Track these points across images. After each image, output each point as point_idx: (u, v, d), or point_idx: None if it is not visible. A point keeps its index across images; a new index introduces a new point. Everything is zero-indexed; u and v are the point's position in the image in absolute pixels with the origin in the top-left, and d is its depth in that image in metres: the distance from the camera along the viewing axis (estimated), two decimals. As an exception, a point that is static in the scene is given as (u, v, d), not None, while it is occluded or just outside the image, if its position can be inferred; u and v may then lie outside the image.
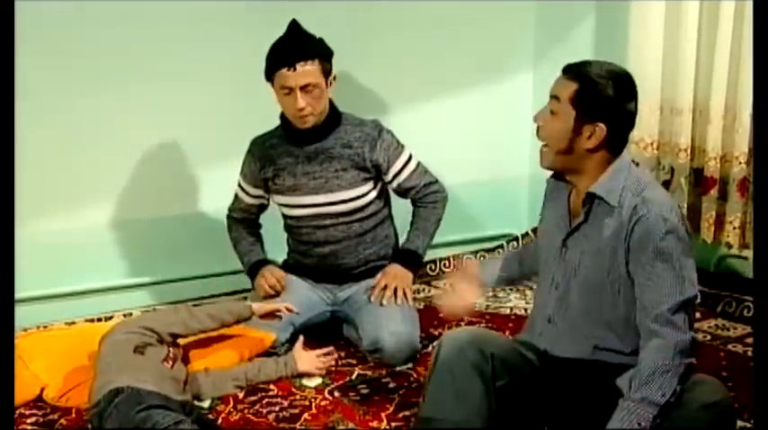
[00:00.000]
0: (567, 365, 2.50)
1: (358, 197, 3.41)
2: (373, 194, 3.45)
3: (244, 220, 3.59)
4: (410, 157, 3.47)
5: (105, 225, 3.82)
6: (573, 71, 2.38)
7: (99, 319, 3.64)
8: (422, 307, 3.71)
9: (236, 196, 3.56)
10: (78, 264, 3.78)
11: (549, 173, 2.54)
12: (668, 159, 3.81)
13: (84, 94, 3.64)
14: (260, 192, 3.50)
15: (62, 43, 3.57)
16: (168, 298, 3.83)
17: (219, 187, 3.83)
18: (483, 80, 4.43)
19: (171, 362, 2.84)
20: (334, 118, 3.38)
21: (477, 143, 4.45)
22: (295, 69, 3.19)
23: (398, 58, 4.14)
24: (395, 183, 3.47)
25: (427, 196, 3.51)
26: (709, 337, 3.53)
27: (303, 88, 3.22)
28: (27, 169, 3.24)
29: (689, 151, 3.75)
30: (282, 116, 3.38)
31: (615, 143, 2.40)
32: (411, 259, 3.48)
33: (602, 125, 2.34)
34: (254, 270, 3.51)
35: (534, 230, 3.95)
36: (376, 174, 3.43)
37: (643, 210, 2.34)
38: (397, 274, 3.41)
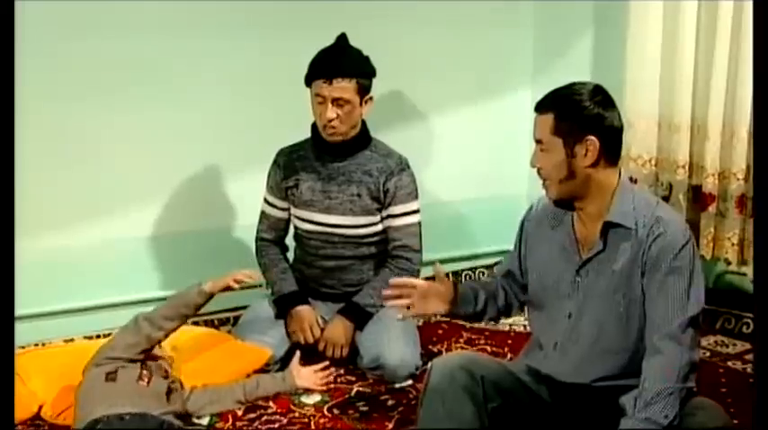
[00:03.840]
0: (571, 390, 2.50)
1: (368, 225, 3.42)
2: (382, 226, 3.46)
3: (274, 241, 3.58)
4: (414, 212, 3.45)
5: (106, 241, 3.77)
6: (544, 104, 2.41)
7: (98, 336, 3.58)
8: (421, 323, 3.70)
9: (264, 214, 3.56)
10: (77, 281, 3.74)
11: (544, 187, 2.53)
12: (667, 176, 3.82)
13: (88, 106, 3.63)
14: (287, 204, 3.51)
15: (67, 56, 3.56)
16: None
17: (229, 201, 3.86)
18: (481, 97, 4.43)
19: (146, 380, 2.80)
20: (362, 140, 3.41)
21: (475, 160, 4.44)
22: (331, 83, 3.26)
23: (395, 74, 4.06)
24: (384, 223, 3.45)
25: (400, 259, 3.43)
26: (708, 354, 3.51)
27: (335, 101, 3.27)
28: (28, 184, 3.23)
29: (687, 167, 3.75)
30: (313, 127, 3.41)
31: (611, 153, 2.41)
32: (357, 313, 3.42)
33: (592, 137, 2.37)
34: (285, 302, 3.48)
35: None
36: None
37: (659, 229, 2.37)
38: (334, 334, 3.38)
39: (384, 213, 3.43)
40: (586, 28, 4.29)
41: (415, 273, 3.38)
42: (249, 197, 3.72)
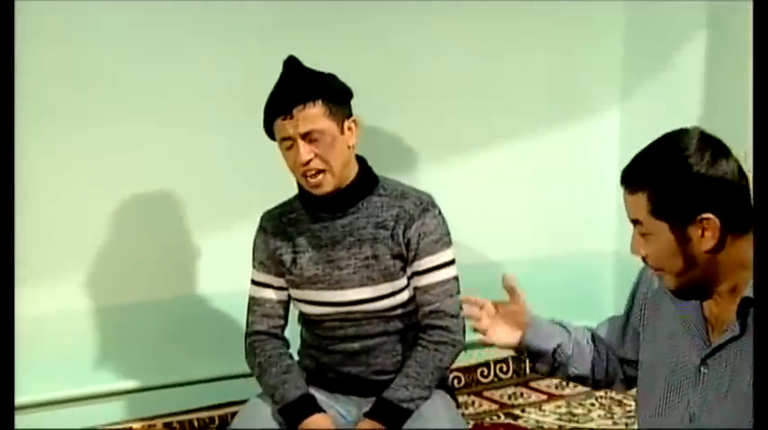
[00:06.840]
0: None
1: (394, 293, 2.97)
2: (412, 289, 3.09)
3: (269, 334, 3.13)
4: (447, 264, 3.00)
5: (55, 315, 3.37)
6: (632, 179, 2.15)
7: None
8: (470, 426, 3.51)
9: (253, 300, 3.13)
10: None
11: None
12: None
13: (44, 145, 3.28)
14: (283, 281, 3.09)
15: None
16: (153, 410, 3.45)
17: (218, 263, 3.53)
18: (551, 122, 4.09)
19: None
20: (365, 182, 2.98)
21: (545, 207, 4.11)
22: (292, 116, 2.82)
23: (436, 93, 3.81)
24: (412, 283, 3.03)
25: (433, 330, 2.96)
26: None
27: (305, 136, 2.83)
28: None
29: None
30: (300, 185, 3.03)
31: (739, 222, 2.10)
32: (390, 413, 2.92)
33: (708, 215, 2.07)
34: (293, 412, 3.02)
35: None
36: None
37: None
38: None
39: (409, 271, 2.99)
40: (696, 32, 3.89)
41: (458, 346, 2.98)
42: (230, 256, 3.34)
